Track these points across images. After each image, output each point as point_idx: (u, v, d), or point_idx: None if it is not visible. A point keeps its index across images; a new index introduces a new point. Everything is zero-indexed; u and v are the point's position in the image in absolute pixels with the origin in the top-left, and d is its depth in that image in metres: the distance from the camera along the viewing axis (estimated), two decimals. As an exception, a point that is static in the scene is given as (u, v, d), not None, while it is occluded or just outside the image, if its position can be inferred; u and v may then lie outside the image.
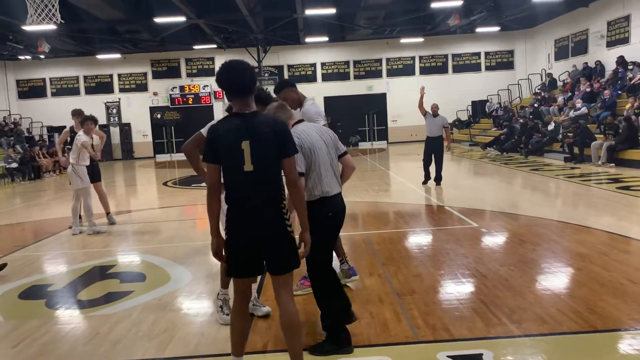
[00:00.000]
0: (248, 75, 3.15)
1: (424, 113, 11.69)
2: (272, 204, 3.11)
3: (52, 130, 26.84)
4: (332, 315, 3.78)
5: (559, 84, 22.38)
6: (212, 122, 4.14)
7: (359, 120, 28.10)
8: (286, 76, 27.46)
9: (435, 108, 11.68)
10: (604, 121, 15.42)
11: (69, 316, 4.85)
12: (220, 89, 3.16)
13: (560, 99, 19.93)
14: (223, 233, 3.22)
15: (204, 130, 4.10)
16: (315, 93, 26.92)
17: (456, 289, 4.93)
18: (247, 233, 3.10)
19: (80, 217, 8.73)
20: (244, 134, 3.04)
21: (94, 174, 9.02)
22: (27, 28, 16.80)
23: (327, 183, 3.70)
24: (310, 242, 3.27)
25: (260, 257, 3.17)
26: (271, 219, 3.10)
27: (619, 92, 17.16)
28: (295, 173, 3.17)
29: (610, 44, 20.08)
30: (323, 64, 27.91)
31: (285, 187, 3.24)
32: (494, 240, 6.84)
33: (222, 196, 3.20)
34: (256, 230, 3.08)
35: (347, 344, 3.72)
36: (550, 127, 17.56)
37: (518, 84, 26.26)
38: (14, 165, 19.46)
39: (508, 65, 27.84)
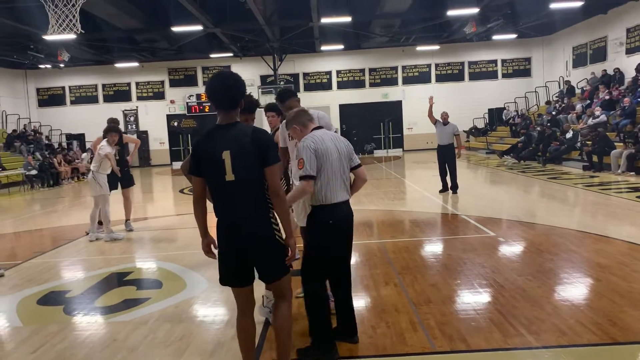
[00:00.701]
0: (238, 90, 3.18)
1: (434, 122, 11.72)
2: (257, 213, 3.12)
3: (70, 137, 27.25)
4: (317, 325, 3.78)
5: (577, 91, 22.17)
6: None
7: (374, 127, 28.10)
8: (302, 84, 27.58)
9: (445, 116, 11.66)
10: (624, 129, 15.22)
11: (86, 322, 4.90)
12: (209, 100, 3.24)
13: (578, 107, 19.72)
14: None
15: None
16: (330, 101, 27.01)
17: (473, 299, 4.88)
18: (235, 244, 3.11)
19: (99, 223, 8.84)
20: (224, 144, 3.06)
21: (127, 180, 9.22)
22: (47, 38, 17.09)
23: (333, 190, 3.70)
24: (295, 248, 3.26)
25: (250, 266, 3.19)
26: (257, 228, 3.11)
27: (639, 99, 16.93)
28: (278, 182, 3.14)
29: (629, 51, 19.84)
30: (338, 72, 27.98)
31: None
32: (511, 249, 6.77)
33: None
34: (244, 240, 3.09)
35: (331, 350, 3.75)
36: (569, 135, 17.37)
37: (535, 91, 26.06)
38: (34, 172, 19.75)
39: (525, 72, 27.65)
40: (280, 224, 3.23)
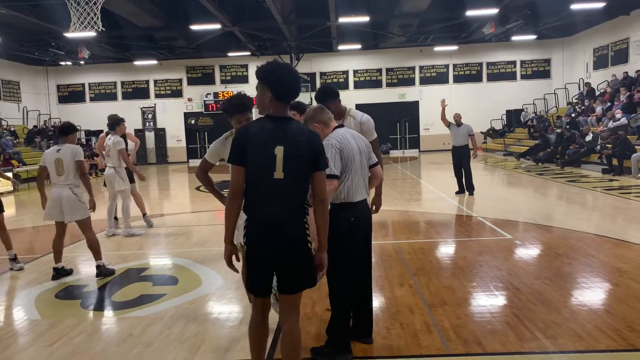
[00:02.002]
0: (299, 84, 3.08)
1: (448, 125, 11.67)
2: (296, 217, 2.96)
3: (90, 134, 27.59)
4: (337, 325, 3.77)
5: (597, 93, 21.86)
6: (218, 140, 4.22)
7: (390, 128, 27.96)
8: (318, 83, 27.53)
9: (457, 117, 11.60)
10: (645, 132, 14.98)
11: (103, 317, 4.97)
12: (269, 88, 2.98)
13: (598, 109, 19.45)
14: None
15: (207, 156, 4.23)
16: (347, 100, 26.72)
17: (489, 302, 4.84)
18: (268, 246, 2.94)
19: (116, 218, 8.92)
20: (278, 138, 2.88)
21: (130, 177, 9.24)
22: (68, 35, 17.34)
23: (354, 189, 3.73)
24: (326, 262, 3.10)
25: (274, 273, 3.02)
26: (293, 232, 2.95)
27: (661, 102, 16.65)
28: (325, 189, 3.02)
29: (652, 53, 19.52)
30: (355, 72, 27.93)
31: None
32: (528, 252, 6.70)
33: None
34: (277, 243, 2.92)
35: (346, 350, 3.75)
36: (588, 137, 17.14)
37: (555, 93, 25.76)
38: (53, 167, 20.00)
39: (544, 74, 27.33)
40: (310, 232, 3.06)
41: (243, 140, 2.92)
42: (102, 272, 6.28)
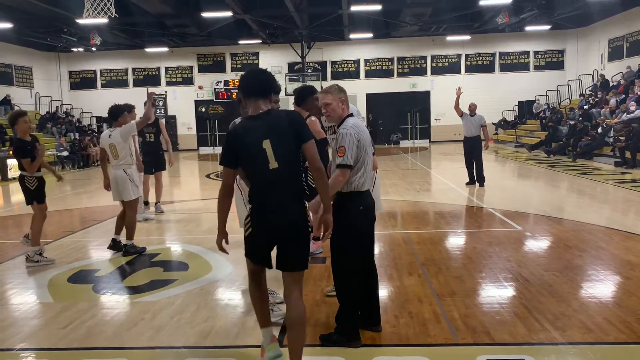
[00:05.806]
0: (262, 76, 3.25)
1: (461, 114, 11.58)
2: (297, 198, 3.18)
3: (101, 120, 27.72)
4: (346, 313, 3.79)
5: (611, 85, 21.61)
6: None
7: (401, 118, 27.88)
8: (329, 72, 27.47)
9: (473, 107, 11.51)
10: (659, 125, 14.79)
11: (114, 301, 5.02)
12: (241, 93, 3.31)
13: (612, 101, 19.23)
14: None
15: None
16: (357, 90, 26.86)
17: (498, 293, 4.84)
18: (270, 229, 3.15)
19: (146, 203, 9.09)
20: (263, 133, 3.10)
21: (161, 163, 9.51)
22: (80, 21, 17.42)
23: (365, 178, 3.76)
24: (332, 224, 3.30)
25: (274, 249, 3.24)
26: (294, 216, 3.15)
27: (676, 95, 16.42)
28: (317, 156, 3.18)
29: (668, 45, 19.23)
30: (367, 61, 27.79)
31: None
32: (538, 244, 6.68)
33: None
34: (280, 225, 3.13)
35: (355, 338, 3.77)
36: (601, 130, 16.97)
37: (568, 84, 25.49)
38: (65, 153, 20.19)
39: (558, 65, 27.05)
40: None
41: (233, 143, 3.17)
42: (128, 250, 6.61)
